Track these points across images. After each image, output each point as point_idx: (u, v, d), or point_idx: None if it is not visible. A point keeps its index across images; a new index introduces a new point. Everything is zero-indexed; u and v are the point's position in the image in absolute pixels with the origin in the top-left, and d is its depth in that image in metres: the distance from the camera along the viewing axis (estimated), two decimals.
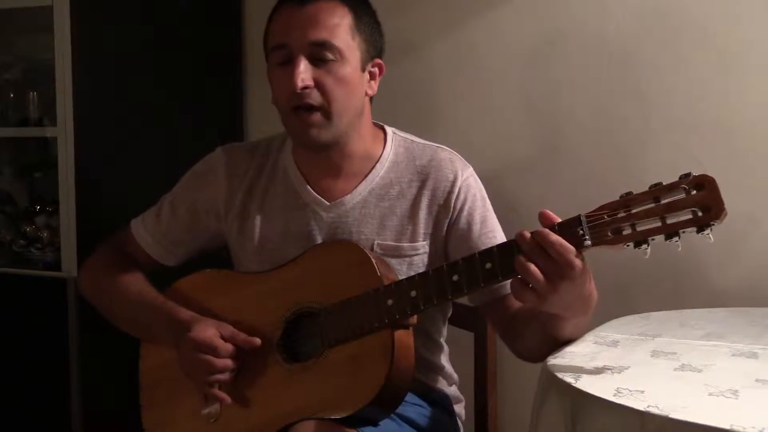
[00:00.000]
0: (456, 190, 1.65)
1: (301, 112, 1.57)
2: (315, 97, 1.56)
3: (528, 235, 1.31)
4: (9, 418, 2.55)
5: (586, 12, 2.33)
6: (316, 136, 1.59)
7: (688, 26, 2.23)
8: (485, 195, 1.70)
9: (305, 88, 1.55)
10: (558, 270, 1.30)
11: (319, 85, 1.56)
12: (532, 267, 1.30)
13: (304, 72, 1.55)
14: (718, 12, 2.20)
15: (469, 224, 1.65)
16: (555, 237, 1.29)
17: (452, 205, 1.65)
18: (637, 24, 2.28)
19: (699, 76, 2.23)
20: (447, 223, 1.65)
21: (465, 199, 1.66)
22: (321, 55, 1.56)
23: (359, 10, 1.62)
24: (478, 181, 1.70)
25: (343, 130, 1.61)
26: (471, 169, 1.70)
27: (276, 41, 1.59)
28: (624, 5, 2.29)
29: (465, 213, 1.65)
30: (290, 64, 1.57)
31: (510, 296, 1.59)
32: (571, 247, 1.29)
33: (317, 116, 1.57)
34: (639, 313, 1.86)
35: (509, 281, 1.55)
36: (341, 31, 1.58)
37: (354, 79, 1.60)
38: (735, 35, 2.19)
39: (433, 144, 1.72)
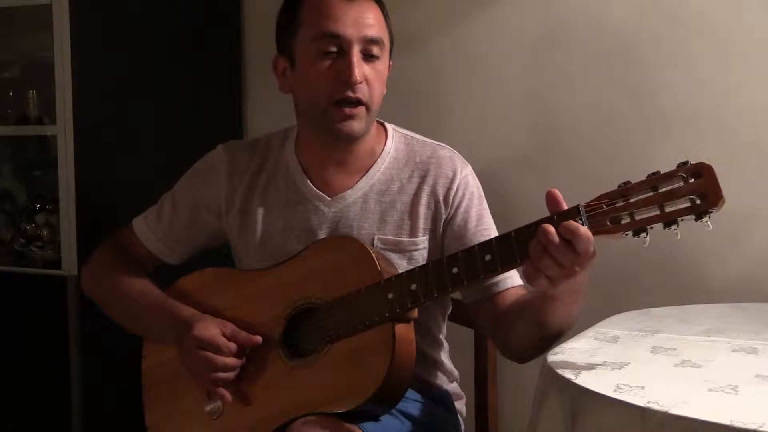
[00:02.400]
0: (455, 187, 1.66)
1: (345, 105, 1.57)
2: (364, 92, 1.57)
3: (554, 230, 1.30)
4: (9, 417, 2.55)
5: (586, 9, 2.34)
6: (358, 128, 1.59)
7: (688, 23, 2.24)
8: (482, 193, 1.71)
9: (360, 82, 1.56)
10: (578, 261, 1.30)
11: (366, 80, 1.57)
12: (551, 262, 1.30)
13: (360, 66, 1.56)
14: (718, 9, 2.21)
15: (465, 221, 1.66)
16: (584, 230, 1.28)
17: (450, 201, 1.66)
18: (637, 21, 2.29)
19: (699, 73, 2.24)
20: (444, 219, 1.66)
21: (463, 196, 1.66)
22: (371, 51, 1.58)
23: (386, 12, 1.64)
24: (476, 179, 1.71)
25: (370, 125, 1.64)
26: (470, 167, 1.71)
27: (326, 30, 1.56)
28: (624, 2, 2.30)
29: (462, 210, 1.66)
30: (340, 55, 1.56)
31: (500, 294, 1.61)
32: (592, 238, 1.29)
33: (361, 109, 1.58)
34: (639, 309, 1.86)
35: (501, 277, 1.56)
36: (384, 29, 1.61)
37: (385, 78, 1.64)
38: (735, 32, 2.20)
39: (433, 141, 1.73)
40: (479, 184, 1.71)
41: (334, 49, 1.57)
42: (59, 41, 2.37)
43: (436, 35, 2.51)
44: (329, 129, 1.60)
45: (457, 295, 1.64)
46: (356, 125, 1.59)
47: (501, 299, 1.61)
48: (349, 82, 1.55)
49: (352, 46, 1.56)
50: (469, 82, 2.49)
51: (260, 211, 1.69)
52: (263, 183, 1.71)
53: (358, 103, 1.57)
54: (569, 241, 1.29)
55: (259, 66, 2.76)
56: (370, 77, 1.58)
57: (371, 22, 1.58)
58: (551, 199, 1.34)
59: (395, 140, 1.71)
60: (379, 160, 1.68)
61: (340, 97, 1.56)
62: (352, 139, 1.62)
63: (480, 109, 2.48)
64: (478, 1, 2.45)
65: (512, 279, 1.62)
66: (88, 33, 2.39)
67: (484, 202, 1.71)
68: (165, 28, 2.61)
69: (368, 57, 1.58)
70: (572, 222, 1.30)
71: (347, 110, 1.57)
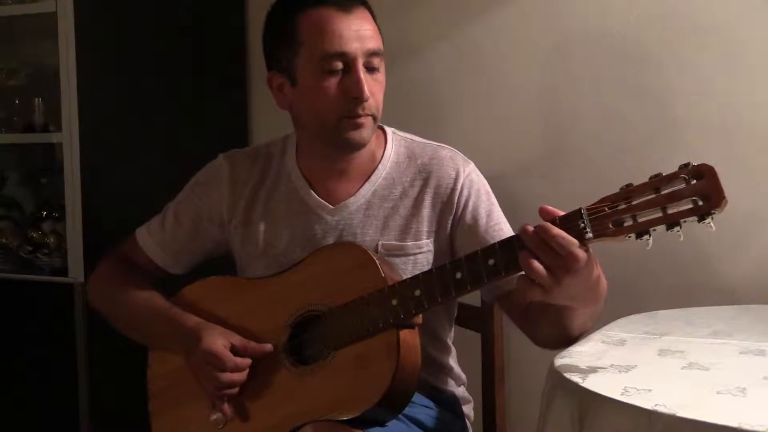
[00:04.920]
0: (459, 187, 1.65)
1: (354, 117, 1.57)
2: (371, 107, 1.58)
3: (530, 229, 1.31)
4: (16, 423, 2.56)
5: (590, 13, 2.34)
6: (367, 137, 1.60)
7: (691, 26, 2.24)
8: (489, 189, 1.70)
9: (369, 99, 1.56)
10: (562, 263, 1.29)
11: (371, 93, 1.57)
12: (535, 263, 1.29)
13: (367, 82, 1.56)
14: (723, 11, 2.21)
15: (475, 219, 1.65)
16: (557, 230, 1.28)
17: (456, 201, 1.65)
18: (640, 24, 2.29)
19: (702, 75, 2.23)
20: (451, 220, 1.65)
21: (469, 195, 1.66)
22: (373, 63, 1.58)
23: (374, 15, 1.63)
24: (481, 175, 1.70)
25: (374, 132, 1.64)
26: (472, 164, 1.70)
27: (331, 49, 1.54)
28: (627, 6, 2.30)
29: (470, 208, 1.65)
30: (346, 72, 1.55)
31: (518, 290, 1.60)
32: (574, 240, 1.28)
33: (369, 119, 1.59)
34: (646, 311, 1.86)
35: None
36: (380, 37, 1.60)
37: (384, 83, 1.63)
38: (739, 34, 2.20)
39: (433, 142, 1.72)
40: (484, 181, 1.70)
41: (339, 66, 1.56)
42: (64, 49, 2.38)
43: (441, 41, 2.51)
44: (338, 141, 1.60)
45: (467, 297, 1.62)
46: (365, 133, 1.59)
47: (520, 292, 1.60)
48: (360, 100, 1.55)
49: (357, 62, 1.55)
50: (474, 87, 2.49)
51: (263, 221, 1.69)
52: (265, 193, 1.71)
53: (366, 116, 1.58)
54: (545, 241, 1.29)
55: (264, 72, 2.77)
56: (373, 89, 1.57)
57: (370, 34, 1.57)
58: (544, 215, 1.34)
59: (395, 144, 1.71)
60: (380, 165, 1.68)
61: (350, 114, 1.56)
62: (360, 148, 1.62)
63: (486, 114, 2.48)
64: (484, 6, 2.45)
65: None
66: (93, 41, 2.40)
67: (492, 197, 1.70)
68: (170, 35, 2.61)
69: (370, 70, 1.58)
70: (545, 223, 1.30)
71: (359, 121, 1.57)
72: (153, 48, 2.56)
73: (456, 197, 1.65)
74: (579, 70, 2.36)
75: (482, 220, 1.65)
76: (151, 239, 1.78)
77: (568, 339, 1.52)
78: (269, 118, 2.76)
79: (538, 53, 2.41)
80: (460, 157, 1.70)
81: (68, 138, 2.40)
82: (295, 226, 1.67)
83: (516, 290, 1.57)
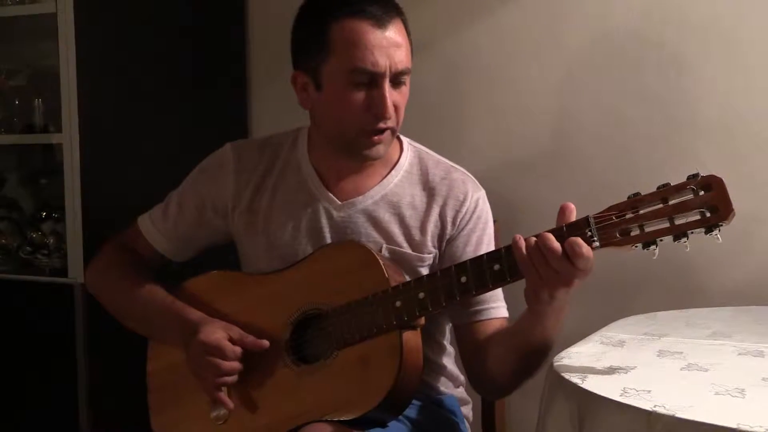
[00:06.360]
0: (464, 210, 1.66)
1: (375, 134, 1.57)
2: (393, 120, 1.58)
3: (555, 243, 1.31)
4: (16, 424, 2.56)
5: (590, 13, 2.34)
6: (384, 151, 1.61)
7: (692, 27, 2.24)
8: (490, 220, 1.70)
9: (392, 116, 1.56)
10: (578, 275, 1.32)
11: (394, 106, 1.57)
12: (551, 270, 1.32)
13: (391, 96, 1.56)
14: (724, 13, 2.21)
15: (465, 244, 1.66)
16: (586, 248, 1.30)
17: (458, 222, 1.66)
18: (642, 25, 2.29)
19: (703, 77, 2.24)
20: (447, 237, 1.66)
21: (469, 219, 1.66)
22: (400, 79, 1.57)
23: (407, 24, 1.61)
24: (487, 204, 1.70)
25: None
26: (483, 192, 1.70)
27: (361, 65, 1.53)
28: (628, 7, 2.30)
29: (465, 232, 1.66)
30: (372, 86, 1.55)
31: (484, 323, 1.61)
32: (592, 256, 1.31)
33: (388, 134, 1.59)
34: (645, 313, 1.86)
35: (488, 305, 1.60)
36: (410, 52, 1.59)
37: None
38: (739, 36, 2.20)
39: (447, 161, 1.72)
40: (489, 210, 1.71)
41: (366, 80, 1.55)
42: (64, 50, 2.38)
43: (440, 40, 2.51)
44: (353, 152, 1.61)
45: None
46: (382, 149, 1.60)
47: (484, 327, 1.61)
48: (382, 116, 1.55)
49: (384, 79, 1.55)
50: (474, 87, 2.49)
51: (269, 210, 1.69)
52: (272, 183, 1.70)
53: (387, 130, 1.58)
54: (569, 256, 1.30)
55: (263, 70, 2.77)
56: (397, 102, 1.58)
57: (403, 52, 1.56)
58: (562, 212, 1.35)
59: (410, 154, 1.71)
60: (393, 171, 1.68)
61: (372, 128, 1.56)
62: (373, 161, 1.63)
63: (485, 114, 2.48)
64: (484, 6, 2.45)
65: (498, 309, 1.63)
66: (93, 41, 2.40)
67: (490, 228, 1.70)
68: (170, 35, 2.61)
69: (396, 84, 1.57)
70: (579, 240, 1.30)
71: (376, 138, 1.58)
72: (153, 48, 2.56)
73: (459, 218, 1.66)
74: (580, 71, 2.36)
75: (470, 247, 1.66)
76: (154, 227, 1.77)
77: (525, 364, 1.51)
78: (269, 118, 2.76)
79: (539, 53, 2.41)
80: (471, 182, 1.70)
81: (68, 139, 2.40)
82: (300, 218, 1.67)
83: (480, 323, 1.61)
